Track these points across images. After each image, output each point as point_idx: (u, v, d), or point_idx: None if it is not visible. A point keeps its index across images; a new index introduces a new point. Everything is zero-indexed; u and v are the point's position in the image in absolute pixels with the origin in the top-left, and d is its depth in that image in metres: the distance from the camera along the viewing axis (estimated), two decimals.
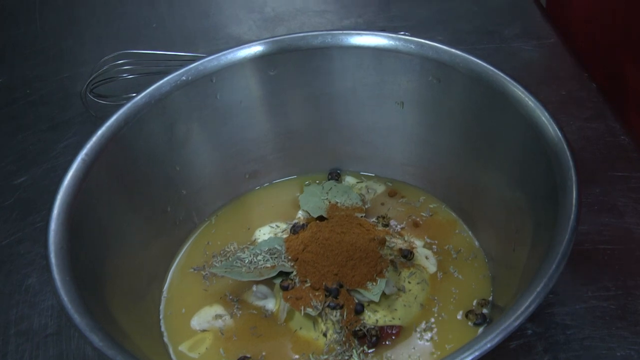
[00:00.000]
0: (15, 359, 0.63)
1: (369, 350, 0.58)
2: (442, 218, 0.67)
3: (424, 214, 0.68)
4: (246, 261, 0.63)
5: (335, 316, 0.59)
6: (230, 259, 0.64)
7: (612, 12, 0.86)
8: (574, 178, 0.52)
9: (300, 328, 0.60)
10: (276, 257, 0.62)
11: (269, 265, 0.62)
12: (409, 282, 0.62)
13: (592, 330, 0.60)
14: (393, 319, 0.60)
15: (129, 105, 0.62)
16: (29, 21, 1.01)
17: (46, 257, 0.52)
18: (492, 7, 0.95)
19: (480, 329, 0.59)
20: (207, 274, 0.65)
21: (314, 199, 0.68)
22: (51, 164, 0.79)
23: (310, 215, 0.67)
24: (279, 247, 0.63)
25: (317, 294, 0.59)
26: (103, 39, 0.96)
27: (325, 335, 0.59)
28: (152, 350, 0.57)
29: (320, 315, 0.59)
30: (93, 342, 0.47)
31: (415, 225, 0.67)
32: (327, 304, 0.59)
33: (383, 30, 0.68)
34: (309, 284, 0.60)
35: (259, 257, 0.63)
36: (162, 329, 0.62)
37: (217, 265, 0.65)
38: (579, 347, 0.59)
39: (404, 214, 0.68)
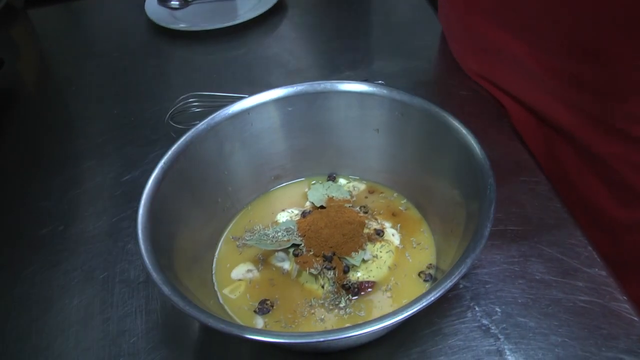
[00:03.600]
0: (119, 298, 0.62)
1: (353, 297, 0.56)
2: (414, 214, 0.64)
3: (401, 208, 0.65)
4: (270, 236, 0.61)
5: (330, 275, 0.57)
6: (258, 235, 0.62)
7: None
8: (492, 183, 0.51)
9: (306, 282, 0.58)
10: (290, 234, 0.60)
11: (285, 239, 0.60)
12: (380, 252, 0.59)
13: (503, 285, 0.58)
14: (369, 276, 0.58)
15: (192, 130, 0.61)
16: (135, 74, 1.00)
17: (136, 232, 0.51)
18: (438, 65, 0.93)
19: (428, 285, 0.58)
20: (239, 244, 0.63)
21: (317, 194, 0.66)
22: (145, 168, 0.78)
23: (314, 205, 0.65)
24: (292, 227, 0.61)
25: (317, 259, 0.57)
26: (181, 85, 0.95)
27: (323, 287, 0.57)
28: (205, 295, 0.56)
29: (319, 274, 0.57)
30: (164, 291, 0.46)
31: (393, 214, 0.64)
32: (324, 266, 0.57)
33: (365, 80, 0.67)
34: (313, 253, 0.58)
35: (279, 233, 0.61)
36: (214, 280, 0.60)
37: (248, 238, 0.63)
38: (493, 296, 0.57)
39: (383, 205, 0.66)
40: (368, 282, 0.57)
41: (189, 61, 1.03)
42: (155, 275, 0.48)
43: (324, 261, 0.57)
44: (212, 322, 0.44)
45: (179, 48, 1.05)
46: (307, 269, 0.57)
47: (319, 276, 0.57)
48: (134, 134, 0.85)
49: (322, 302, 0.56)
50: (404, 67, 0.92)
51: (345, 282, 0.57)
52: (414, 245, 0.61)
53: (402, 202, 0.66)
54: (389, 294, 0.57)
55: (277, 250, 0.60)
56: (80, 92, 0.97)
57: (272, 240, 0.60)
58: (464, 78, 0.87)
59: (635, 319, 0.54)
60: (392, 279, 0.58)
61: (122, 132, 0.86)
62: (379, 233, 0.61)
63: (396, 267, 0.59)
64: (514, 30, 0.72)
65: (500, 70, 0.79)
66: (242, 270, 0.61)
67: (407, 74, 0.90)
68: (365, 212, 0.64)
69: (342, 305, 0.56)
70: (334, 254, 0.57)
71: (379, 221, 0.63)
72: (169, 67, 1.02)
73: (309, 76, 0.93)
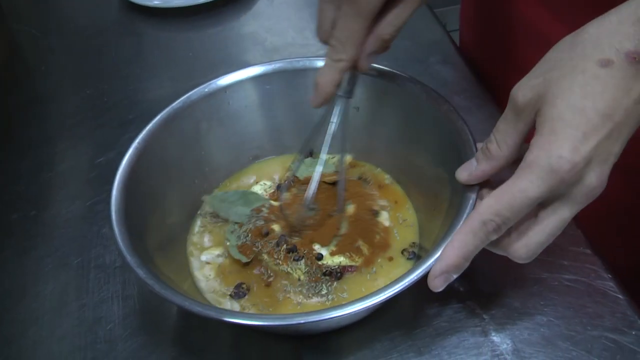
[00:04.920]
0: (95, 284, 0.60)
1: (335, 283, 0.55)
2: (398, 190, 0.64)
3: (387, 182, 0.65)
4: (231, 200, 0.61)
5: (301, 265, 0.56)
6: (215, 198, 0.62)
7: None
8: None
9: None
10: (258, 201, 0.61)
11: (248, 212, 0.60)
12: None
13: (487, 264, 0.57)
14: (351, 261, 0.57)
15: (167, 109, 0.60)
16: (107, 53, 0.98)
17: (109, 214, 0.51)
18: (421, 43, 0.92)
19: (412, 263, 0.57)
20: (202, 212, 0.63)
21: (306, 167, 0.65)
22: (120, 150, 0.74)
23: (298, 178, 0.64)
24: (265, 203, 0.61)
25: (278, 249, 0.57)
26: (155, 64, 0.94)
27: (299, 279, 0.56)
28: (180, 278, 0.55)
29: (291, 269, 0.56)
30: (139, 274, 0.46)
31: (380, 186, 0.64)
32: (292, 258, 0.56)
33: None
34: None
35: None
36: (188, 262, 0.59)
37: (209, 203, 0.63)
38: (478, 276, 0.57)
39: (370, 177, 0.65)
40: (350, 266, 0.56)
41: (163, 39, 1.01)
42: (129, 258, 0.47)
43: (289, 254, 0.56)
44: (189, 305, 0.43)
45: (153, 25, 1.03)
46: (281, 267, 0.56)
47: (292, 272, 0.56)
48: (108, 115, 0.83)
49: (299, 289, 0.55)
50: None
51: (325, 270, 0.55)
52: (400, 222, 0.61)
53: (386, 176, 0.65)
54: (372, 275, 0.56)
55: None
56: (51, 72, 0.95)
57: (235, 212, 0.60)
58: (447, 56, 0.86)
59: (620, 297, 0.54)
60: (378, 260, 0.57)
61: (95, 113, 0.84)
62: (375, 214, 0.60)
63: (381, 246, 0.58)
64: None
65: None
66: (212, 255, 0.59)
67: (390, 51, 0.89)
68: (366, 182, 0.64)
69: (324, 292, 0.54)
70: (295, 246, 0.56)
71: (377, 200, 0.62)
72: (143, 45, 1.00)
73: (286, 55, 0.91)
